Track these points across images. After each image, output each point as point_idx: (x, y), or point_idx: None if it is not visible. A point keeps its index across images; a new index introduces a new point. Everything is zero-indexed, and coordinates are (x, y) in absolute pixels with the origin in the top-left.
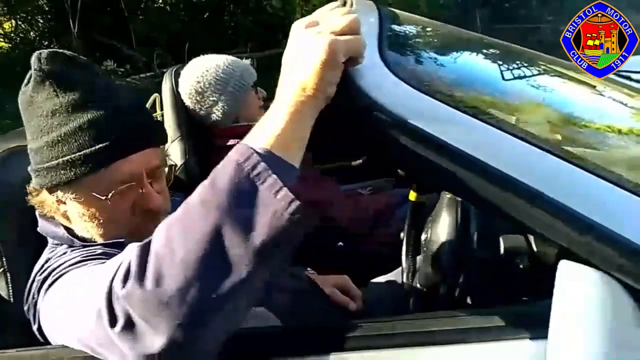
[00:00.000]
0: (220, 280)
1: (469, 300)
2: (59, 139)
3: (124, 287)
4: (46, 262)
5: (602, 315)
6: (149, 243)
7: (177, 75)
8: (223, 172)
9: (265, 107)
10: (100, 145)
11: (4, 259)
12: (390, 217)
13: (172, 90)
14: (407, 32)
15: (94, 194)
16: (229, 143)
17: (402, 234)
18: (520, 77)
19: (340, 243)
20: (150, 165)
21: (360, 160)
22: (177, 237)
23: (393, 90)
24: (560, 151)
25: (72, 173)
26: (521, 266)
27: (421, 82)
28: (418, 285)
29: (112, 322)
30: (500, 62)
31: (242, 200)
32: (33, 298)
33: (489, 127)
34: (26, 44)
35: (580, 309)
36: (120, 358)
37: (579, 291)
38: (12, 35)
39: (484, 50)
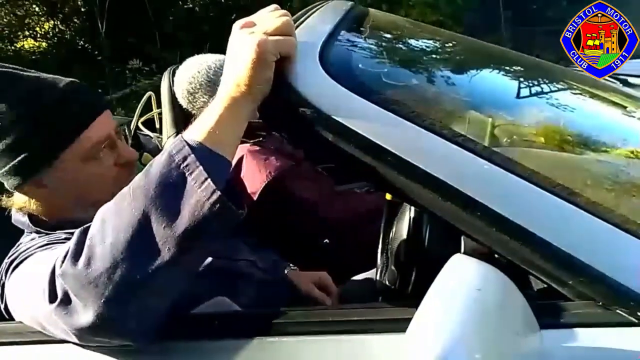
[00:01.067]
0: (145, 263)
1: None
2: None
3: (61, 266)
4: (17, 247)
5: (471, 303)
6: (89, 226)
7: (174, 74)
8: (157, 162)
9: None
10: (64, 123)
11: None
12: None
13: (169, 88)
14: (371, 34)
15: (79, 163)
16: None
17: None
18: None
19: (326, 240)
20: (111, 126)
21: None
22: (109, 221)
23: (323, 88)
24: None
25: (51, 153)
26: None
27: (357, 82)
28: (387, 282)
29: (52, 298)
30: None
31: (170, 189)
32: (1, 279)
33: (415, 126)
34: (63, 43)
35: (453, 295)
36: (65, 334)
37: (460, 280)
38: (51, 35)
39: (446, 55)
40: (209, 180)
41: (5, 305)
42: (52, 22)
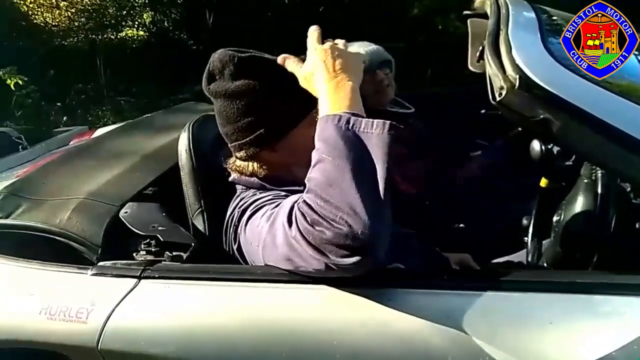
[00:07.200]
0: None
1: None
2: None
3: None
4: (241, 200)
5: None
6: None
7: None
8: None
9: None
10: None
11: (202, 201)
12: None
13: None
14: (556, 22)
15: (308, 130)
16: None
17: (524, 219)
18: None
19: (462, 224)
20: None
21: None
22: (335, 183)
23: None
24: None
25: (292, 124)
26: None
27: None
28: (545, 265)
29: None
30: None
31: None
32: (234, 225)
33: None
34: (161, 33)
35: None
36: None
37: None
38: (150, 25)
39: None
40: (375, 121)
41: (239, 247)
42: (151, 13)
